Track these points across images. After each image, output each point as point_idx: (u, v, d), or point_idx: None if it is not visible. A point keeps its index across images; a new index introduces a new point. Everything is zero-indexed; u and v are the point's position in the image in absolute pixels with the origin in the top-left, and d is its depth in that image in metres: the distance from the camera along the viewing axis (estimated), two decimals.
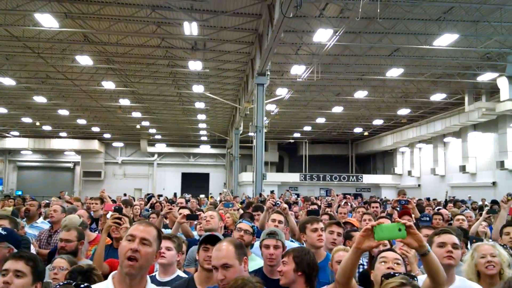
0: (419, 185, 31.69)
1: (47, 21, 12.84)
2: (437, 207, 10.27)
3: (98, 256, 3.58)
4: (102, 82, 20.44)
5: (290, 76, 18.68)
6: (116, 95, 24.18)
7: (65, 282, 2.29)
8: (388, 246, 3.36)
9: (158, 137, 39.24)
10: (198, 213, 5.79)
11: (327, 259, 3.52)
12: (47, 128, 34.18)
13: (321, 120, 29.41)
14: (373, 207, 7.30)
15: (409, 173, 32.79)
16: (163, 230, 4.87)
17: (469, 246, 4.26)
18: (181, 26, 13.64)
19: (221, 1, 12.83)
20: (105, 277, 2.38)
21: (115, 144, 41.00)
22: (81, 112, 28.69)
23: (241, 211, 7.34)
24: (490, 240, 4.78)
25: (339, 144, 40.34)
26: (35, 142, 37.90)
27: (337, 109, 25.20)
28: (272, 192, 15.38)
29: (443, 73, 19.52)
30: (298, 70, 17.29)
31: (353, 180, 35.42)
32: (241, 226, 3.92)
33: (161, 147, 41.25)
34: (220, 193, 27.18)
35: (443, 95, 22.17)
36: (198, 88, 20.87)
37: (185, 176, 41.71)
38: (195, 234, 5.14)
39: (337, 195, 10.91)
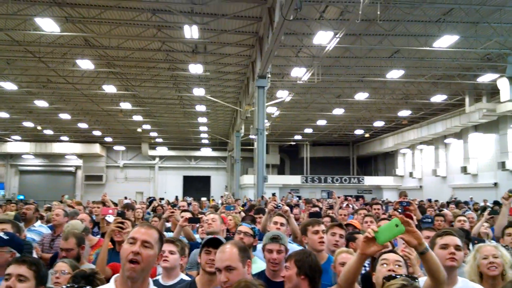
0: (420, 187, 31.64)
1: (48, 25, 12.89)
2: (441, 209, 10.26)
3: (101, 260, 3.58)
4: (103, 86, 20.47)
5: (290, 78, 18.68)
6: (117, 99, 24.21)
7: (68, 285, 2.29)
8: (390, 248, 3.36)
9: (159, 140, 39.26)
10: (200, 216, 5.79)
11: (329, 261, 3.52)
12: (48, 132, 34.22)
13: (322, 122, 29.40)
14: (374, 209, 7.28)
15: (411, 174, 32.75)
16: (165, 233, 4.87)
17: (470, 247, 4.26)
18: (182, 29, 13.66)
19: (221, 4, 12.85)
20: (108, 281, 2.38)
21: (116, 147, 41.04)
22: (82, 116, 28.72)
23: (243, 214, 7.34)
24: (492, 241, 4.78)
25: (340, 146, 40.32)
26: (37, 146, 37.94)
27: (338, 111, 25.19)
28: (273, 194, 15.36)
29: (444, 74, 19.52)
30: (298, 73, 17.30)
31: (354, 182, 35.39)
32: (240, 228, 3.99)
33: (162, 151, 41.26)
34: (222, 196, 27.17)
35: (444, 97, 22.16)
36: (199, 91, 20.89)
37: (186, 179, 41.71)
38: (197, 237, 5.15)
39: (338, 197, 10.90)
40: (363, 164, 42.11)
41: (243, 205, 13.97)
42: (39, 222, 6.50)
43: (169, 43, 16.10)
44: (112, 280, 2.21)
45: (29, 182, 40.63)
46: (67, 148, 38.77)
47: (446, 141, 27.86)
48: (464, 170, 25.02)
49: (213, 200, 26.07)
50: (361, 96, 21.32)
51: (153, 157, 41.54)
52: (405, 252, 3.02)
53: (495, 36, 14.35)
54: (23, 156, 40.38)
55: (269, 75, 15.65)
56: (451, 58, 16.90)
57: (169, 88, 22.49)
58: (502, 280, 2.96)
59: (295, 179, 35.25)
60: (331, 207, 8.23)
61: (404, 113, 25.93)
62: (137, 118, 28.75)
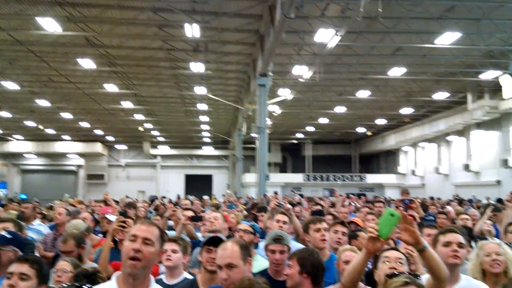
0: (423, 184, 31.58)
1: (49, 25, 12.90)
2: (444, 206, 10.24)
3: (103, 259, 3.59)
4: (105, 85, 20.48)
5: (292, 76, 18.66)
6: (118, 98, 24.22)
7: (70, 284, 2.29)
8: (392, 245, 3.35)
9: (161, 139, 39.27)
10: (201, 214, 5.79)
11: (332, 259, 3.52)
12: (50, 131, 34.26)
13: (324, 120, 29.37)
14: (377, 207, 7.28)
15: (413, 172, 32.68)
16: (168, 232, 4.88)
17: (473, 244, 4.24)
18: (183, 28, 13.64)
19: (222, 3, 12.84)
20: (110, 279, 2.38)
21: (118, 146, 41.07)
22: (84, 115, 28.75)
23: (245, 212, 7.35)
24: (495, 238, 4.76)
25: (342, 144, 40.27)
26: (39, 145, 37.99)
27: (340, 109, 25.14)
28: (275, 193, 15.37)
29: (446, 71, 19.45)
30: (300, 71, 17.29)
31: (356, 180, 35.32)
32: (240, 226, 4.04)
33: (164, 149, 41.29)
34: (223, 195, 27.18)
35: (446, 94, 22.09)
36: (200, 90, 20.89)
37: (188, 178, 41.70)
38: (199, 235, 5.15)
39: (341, 195, 10.89)
40: (365, 162, 42.03)
41: (245, 204, 13.96)
42: (38, 221, 6.52)
43: (170, 42, 16.09)
44: (113, 277, 2.22)
45: (31, 182, 40.70)
46: (69, 147, 38.82)
47: (449, 138, 27.78)
48: (466, 167, 24.95)
49: (214, 198, 26.07)
50: (363, 94, 21.27)
51: (155, 156, 41.55)
52: (408, 249, 3.01)
53: (497, 33, 14.26)
54: (25, 155, 40.44)
55: (271, 73, 15.64)
56: (453, 55, 16.84)
57: (170, 87, 22.49)
58: (505, 277, 2.95)
59: (297, 177, 35.21)
60: (333, 205, 8.22)
61: (406, 110, 25.87)
62: (139, 117, 28.76)
